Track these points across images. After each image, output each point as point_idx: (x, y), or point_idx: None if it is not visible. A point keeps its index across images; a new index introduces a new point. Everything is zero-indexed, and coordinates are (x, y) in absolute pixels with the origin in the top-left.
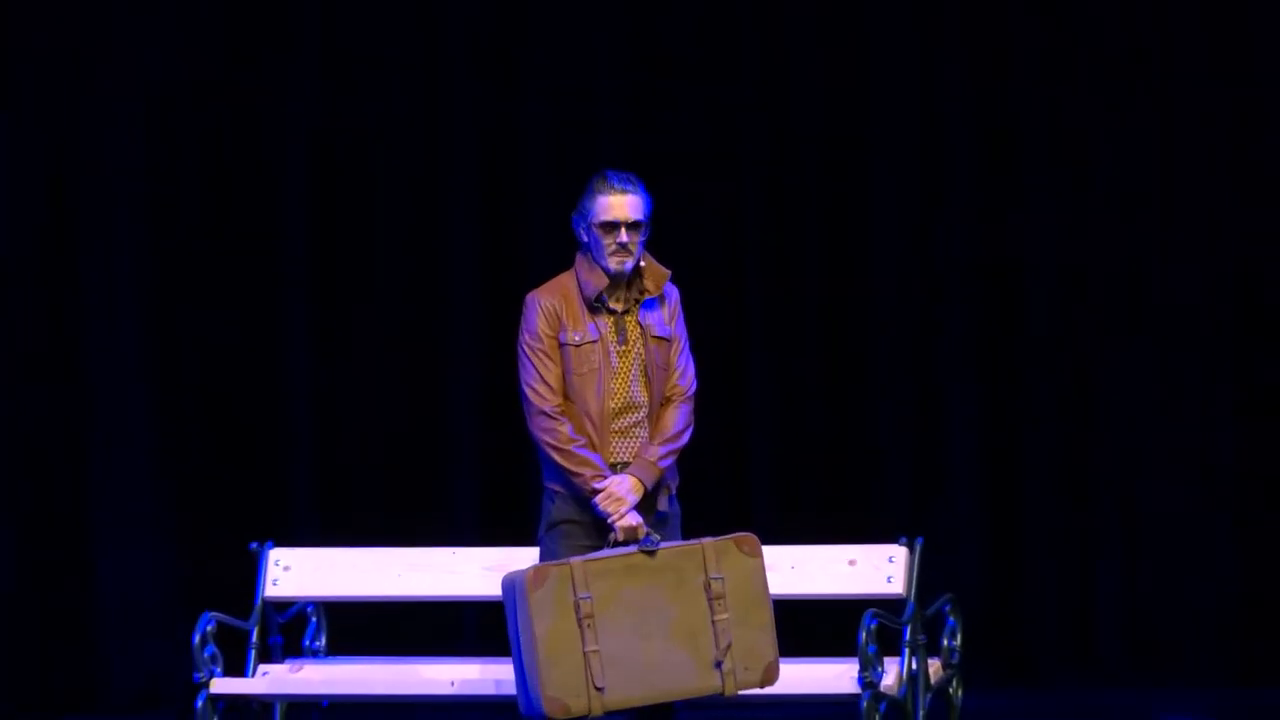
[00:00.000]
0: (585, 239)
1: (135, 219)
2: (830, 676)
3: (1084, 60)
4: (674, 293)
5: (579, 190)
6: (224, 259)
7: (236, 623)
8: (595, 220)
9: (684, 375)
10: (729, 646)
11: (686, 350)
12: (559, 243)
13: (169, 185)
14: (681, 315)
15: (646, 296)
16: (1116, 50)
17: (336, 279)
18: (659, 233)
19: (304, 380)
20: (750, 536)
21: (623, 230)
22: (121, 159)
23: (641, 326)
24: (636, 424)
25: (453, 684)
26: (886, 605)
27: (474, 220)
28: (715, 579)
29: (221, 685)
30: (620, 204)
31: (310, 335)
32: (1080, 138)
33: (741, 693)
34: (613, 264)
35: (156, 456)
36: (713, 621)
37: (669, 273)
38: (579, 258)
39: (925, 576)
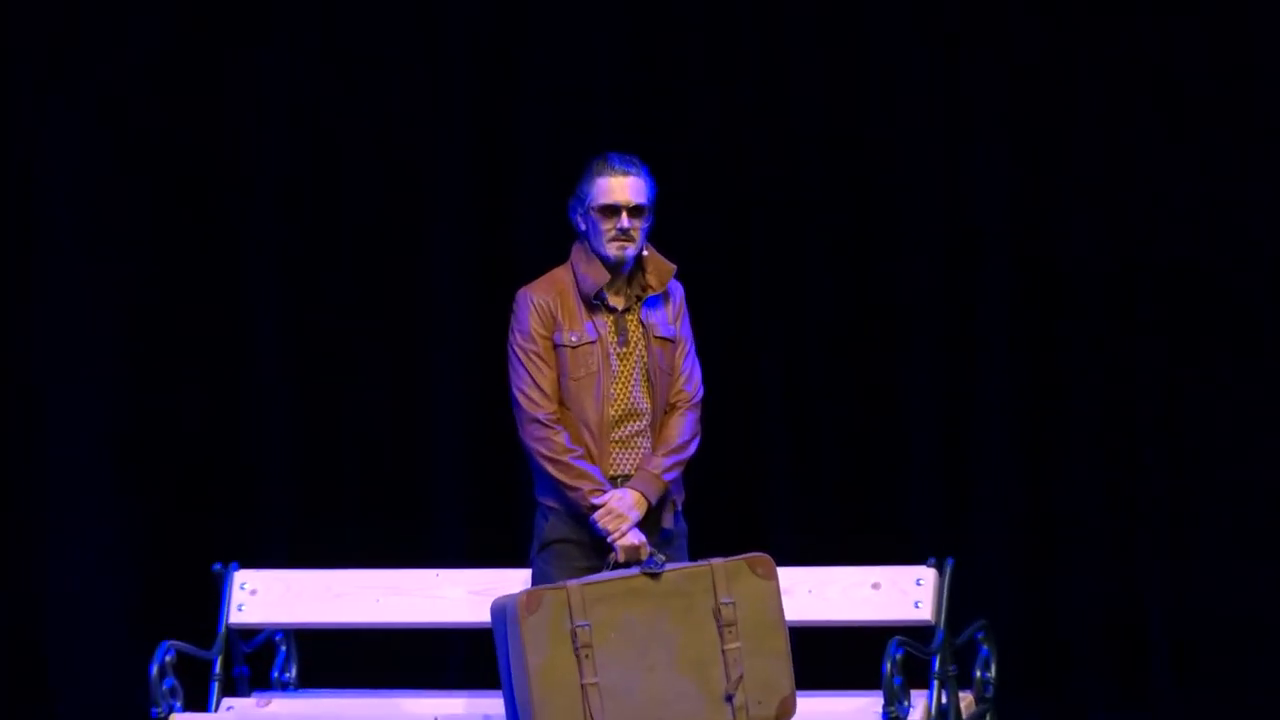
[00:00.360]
0: (583, 226)
1: (99, 221)
2: (852, 711)
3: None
4: (679, 290)
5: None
6: (194, 265)
7: (198, 652)
8: (594, 204)
9: (690, 380)
10: (741, 678)
11: (692, 353)
12: (554, 245)
13: (136, 181)
14: (687, 315)
15: (649, 293)
16: (1118, 50)
17: (312, 282)
18: (662, 232)
19: (274, 387)
20: (764, 557)
21: (624, 215)
22: (90, 160)
23: (644, 326)
24: (638, 433)
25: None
26: (913, 633)
27: (462, 223)
28: (725, 604)
29: None
30: (621, 186)
31: (282, 339)
32: (1111, 136)
33: None
34: (612, 250)
35: (111, 470)
36: (723, 651)
37: (674, 268)
38: (576, 250)
39: (956, 601)
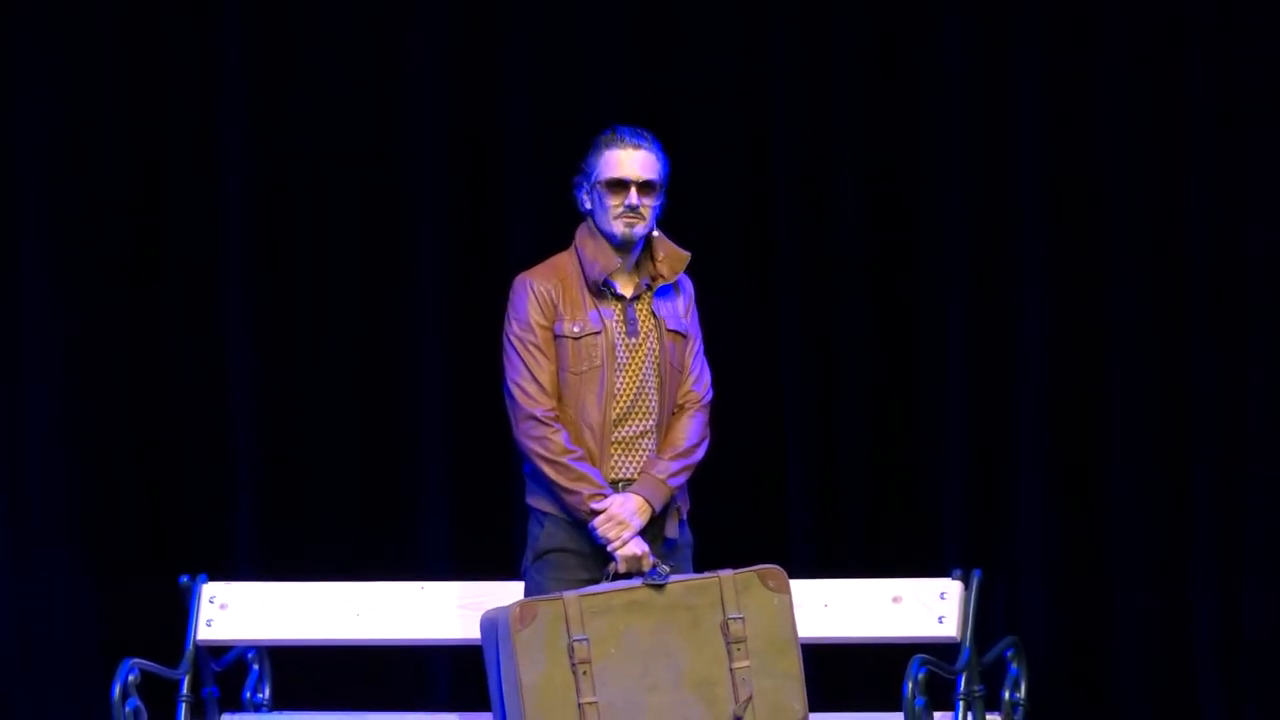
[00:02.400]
0: (589, 205)
1: (59, 215)
2: None
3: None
4: (689, 285)
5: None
6: (158, 259)
7: (164, 671)
8: (601, 178)
9: (699, 380)
10: (749, 699)
11: (701, 351)
12: (545, 231)
13: (92, 173)
14: (696, 311)
15: (660, 283)
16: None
17: (283, 277)
18: (673, 221)
19: (244, 386)
20: (776, 569)
21: (633, 191)
22: (39, 154)
23: (656, 318)
24: (643, 434)
25: None
26: (937, 650)
27: (446, 209)
28: (734, 619)
29: None
30: (631, 159)
31: (252, 336)
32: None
33: None
34: (619, 228)
35: (67, 474)
36: (731, 669)
37: (689, 256)
38: (581, 232)
39: (984, 616)
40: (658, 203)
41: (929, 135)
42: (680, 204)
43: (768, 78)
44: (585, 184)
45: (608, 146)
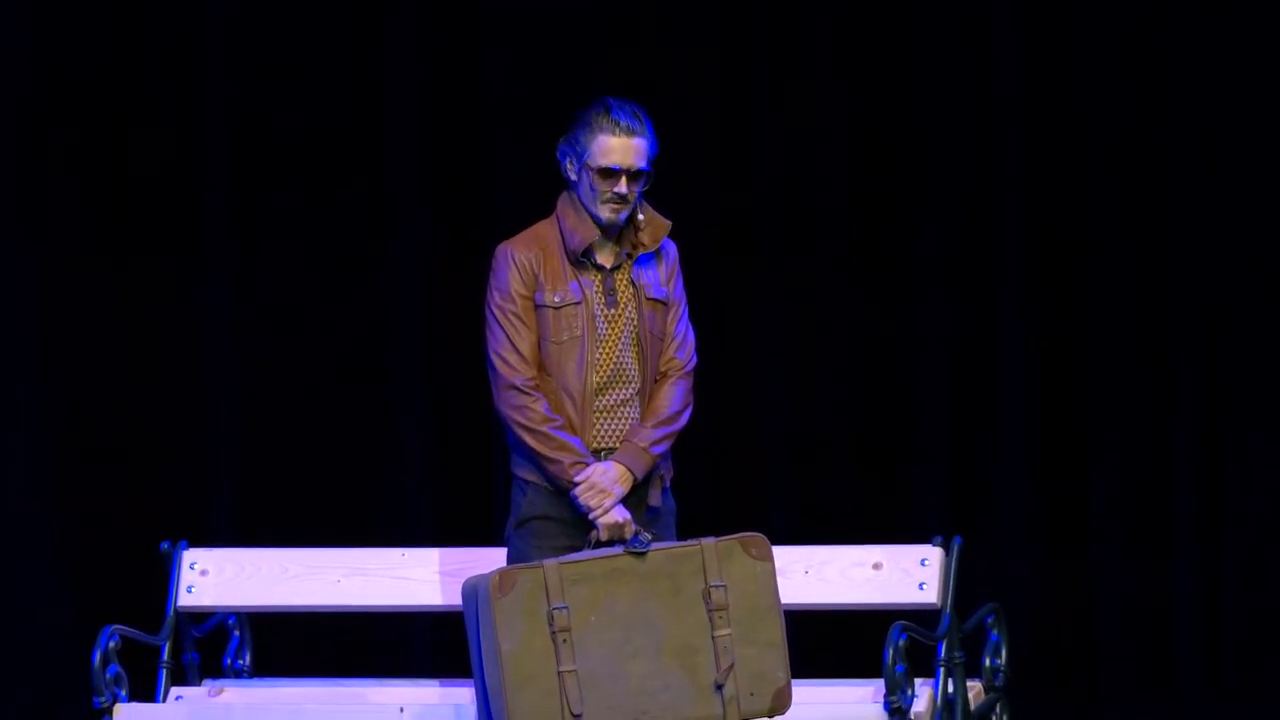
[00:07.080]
0: (574, 178)
1: (25, 164)
2: (851, 701)
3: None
4: (673, 249)
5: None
6: (130, 215)
7: (144, 637)
8: (592, 162)
9: (683, 346)
10: (732, 667)
11: (686, 317)
12: (529, 201)
13: (65, 116)
14: (680, 276)
15: (641, 251)
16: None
17: (263, 240)
18: (653, 187)
19: (223, 352)
20: (759, 537)
21: (623, 180)
22: (25, 130)
23: (635, 286)
24: (625, 402)
25: (402, 710)
26: (918, 617)
27: (424, 179)
28: (716, 587)
29: (127, 712)
30: (625, 148)
31: (232, 300)
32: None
33: None
34: (605, 214)
35: (47, 441)
36: (713, 637)
37: (670, 224)
38: (562, 201)
39: (964, 583)
40: (645, 185)
41: (917, 82)
42: (665, 167)
43: (749, 38)
44: (572, 155)
45: (601, 130)
